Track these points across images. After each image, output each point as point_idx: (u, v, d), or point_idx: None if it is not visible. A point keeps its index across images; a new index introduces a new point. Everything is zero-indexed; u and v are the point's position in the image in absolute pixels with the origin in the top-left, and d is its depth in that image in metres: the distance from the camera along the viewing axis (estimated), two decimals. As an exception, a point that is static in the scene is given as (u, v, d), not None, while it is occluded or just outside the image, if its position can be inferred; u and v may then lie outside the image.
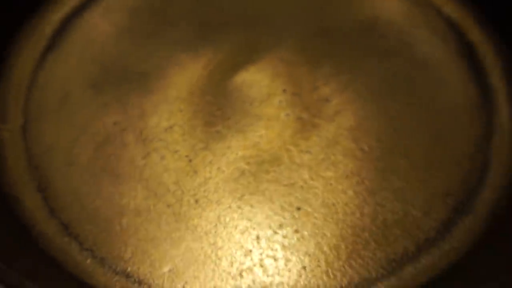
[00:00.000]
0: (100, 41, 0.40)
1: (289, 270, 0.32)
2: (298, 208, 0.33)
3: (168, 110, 0.37)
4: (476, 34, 0.40)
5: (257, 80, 0.38)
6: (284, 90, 0.37)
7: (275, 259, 0.32)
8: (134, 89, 0.38)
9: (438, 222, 0.33)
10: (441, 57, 0.39)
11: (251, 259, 0.32)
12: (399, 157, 0.35)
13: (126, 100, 0.37)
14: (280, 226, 0.33)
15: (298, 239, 0.33)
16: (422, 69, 0.39)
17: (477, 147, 0.36)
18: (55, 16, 0.41)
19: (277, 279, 0.32)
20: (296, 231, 0.33)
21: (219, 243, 0.32)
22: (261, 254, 0.32)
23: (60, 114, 0.37)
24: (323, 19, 0.41)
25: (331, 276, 0.32)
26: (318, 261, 0.32)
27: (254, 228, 0.33)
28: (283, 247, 0.32)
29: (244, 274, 0.32)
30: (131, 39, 0.40)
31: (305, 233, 0.33)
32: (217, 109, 0.36)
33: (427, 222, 0.33)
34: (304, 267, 0.32)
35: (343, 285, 0.31)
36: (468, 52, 0.40)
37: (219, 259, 0.32)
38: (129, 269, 0.32)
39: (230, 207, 0.33)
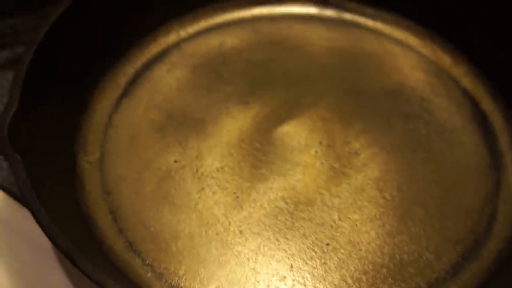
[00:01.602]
0: (165, 92, 0.46)
1: (317, 296, 0.37)
2: (327, 244, 0.38)
3: (221, 153, 0.42)
4: (488, 104, 0.46)
5: (297, 132, 0.43)
6: (320, 142, 0.43)
7: (305, 286, 0.37)
8: (193, 133, 0.43)
9: (448, 265, 0.37)
10: (457, 122, 0.44)
11: (285, 284, 0.37)
12: (416, 206, 0.40)
13: (186, 142, 0.43)
14: (311, 258, 0.38)
15: (325, 271, 0.37)
16: (440, 132, 0.44)
17: (485, 201, 0.40)
18: (129, 70, 0.47)
19: (306, 302, 0.37)
20: (324, 263, 0.37)
21: (258, 269, 0.37)
22: (293, 280, 0.37)
23: (130, 150, 0.42)
24: (356, 83, 0.47)
25: (353, 303, 0.37)
26: (342, 290, 0.37)
27: (288, 258, 0.38)
28: (313, 276, 0.37)
29: (278, 296, 0.37)
30: (192, 91, 0.46)
31: (332, 265, 0.38)
32: (263, 155, 0.42)
33: (438, 264, 0.37)
34: (330, 294, 0.37)
35: (363, 312, 0.36)
36: (481, 119, 0.45)
37: (258, 281, 0.37)
38: (182, 284, 0.36)
39: (269, 238, 0.38)
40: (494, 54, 0.46)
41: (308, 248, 0.38)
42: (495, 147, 0.43)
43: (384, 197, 0.40)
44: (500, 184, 0.41)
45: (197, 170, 0.42)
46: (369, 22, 0.51)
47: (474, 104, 0.46)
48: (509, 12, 0.44)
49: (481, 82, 0.47)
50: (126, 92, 0.46)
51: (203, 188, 0.41)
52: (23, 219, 0.42)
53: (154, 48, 0.49)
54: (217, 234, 0.39)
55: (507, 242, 0.39)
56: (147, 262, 0.38)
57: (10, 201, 0.43)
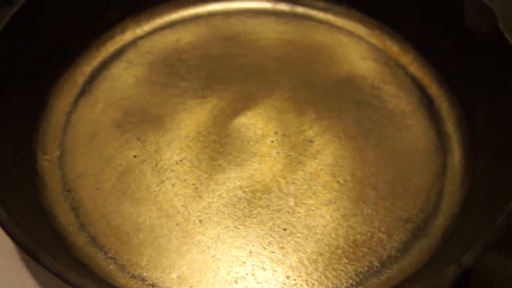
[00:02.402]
0: (123, 89, 0.47)
1: (276, 279, 0.38)
2: (284, 229, 0.40)
3: (179, 147, 0.43)
4: (435, 90, 0.48)
5: (253, 123, 0.45)
6: (276, 132, 0.44)
7: (264, 270, 0.38)
8: (151, 129, 0.44)
9: (399, 243, 0.39)
10: (406, 107, 0.46)
11: (245, 269, 0.38)
12: (368, 189, 0.42)
13: (144, 138, 0.44)
14: (269, 243, 0.39)
15: (283, 254, 0.39)
16: (390, 117, 0.46)
17: (433, 182, 0.42)
18: (86, 69, 0.48)
19: (266, 286, 0.37)
20: (282, 247, 0.39)
21: (218, 256, 0.38)
22: (252, 265, 0.38)
23: (90, 148, 0.43)
24: (309, 74, 0.48)
25: (310, 284, 0.38)
26: (300, 272, 0.38)
27: (247, 244, 0.39)
28: (271, 260, 0.38)
29: (238, 281, 0.38)
30: (149, 88, 0.47)
31: (289, 249, 0.39)
32: (220, 146, 0.43)
33: (390, 243, 0.39)
34: (288, 277, 0.38)
35: (320, 292, 0.38)
36: (428, 104, 0.47)
37: (218, 268, 0.38)
38: (144, 274, 0.37)
39: (228, 226, 0.40)
40: (439, 43, 0.48)
41: (266, 234, 0.40)
42: (442, 130, 0.46)
43: (338, 182, 0.42)
44: (447, 164, 0.44)
45: (156, 164, 0.43)
46: (321, 15, 0.53)
47: (421, 90, 0.48)
48: (454, 3, 0.46)
49: (428, 69, 0.49)
50: (83, 91, 0.47)
51: (162, 181, 0.42)
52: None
53: (111, 47, 0.50)
54: (177, 224, 0.40)
55: (453, 218, 0.41)
56: (110, 255, 0.38)
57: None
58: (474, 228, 0.37)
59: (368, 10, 0.52)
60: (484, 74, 0.44)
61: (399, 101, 0.47)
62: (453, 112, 0.46)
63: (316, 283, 0.38)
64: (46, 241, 0.36)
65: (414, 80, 0.49)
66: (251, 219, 0.40)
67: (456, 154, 0.44)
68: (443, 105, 0.47)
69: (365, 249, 0.39)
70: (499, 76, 0.43)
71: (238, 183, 0.42)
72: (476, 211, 0.40)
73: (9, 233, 0.32)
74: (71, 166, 0.43)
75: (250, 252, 0.39)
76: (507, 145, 0.40)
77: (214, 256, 0.39)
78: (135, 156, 0.43)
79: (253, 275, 0.38)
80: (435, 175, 0.43)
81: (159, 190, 0.41)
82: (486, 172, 0.41)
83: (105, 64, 0.49)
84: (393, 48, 0.51)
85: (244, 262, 0.39)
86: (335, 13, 0.53)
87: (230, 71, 0.48)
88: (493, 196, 0.38)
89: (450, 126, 0.46)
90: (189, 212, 0.40)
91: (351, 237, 0.40)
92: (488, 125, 0.43)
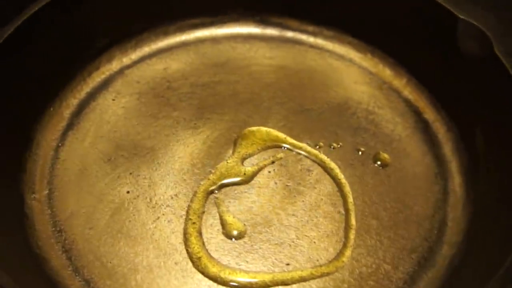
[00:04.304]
0: (112, 121, 0.45)
1: (281, 317, 0.37)
2: (287, 264, 0.38)
3: (174, 180, 0.42)
4: (430, 114, 0.47)
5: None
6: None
7: (269, 307, 0.37)
8: (144, 162, 0.43)
9: (405, 274, 0.38)
10: (402, 132, 0.46)
11: (248, 308, 0.37)
12: (370, 218, 0.41)
13: (137, 172, 0.42)
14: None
15: (287, 290, 0.38)
16: (387, 143, 0.45)
17: (435, 209, 0.42)
18: (73, 101, 0.46)
19: (271, 324, 0.37)
20: (286, 284, 0.38)
21: (221, 295, 0.37)
22: (256, 303, 0.37)
23: (80, 184, 0.41)
24: (302, 100, 0.47)
25: (317, 321, 0.37)
26: (305, 308, 0.37)
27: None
28: (275, 296, 0.38)
29: (242, 321, 0.37)
30: (139, 119, 0.45)
31: (294, 286, 0.38)
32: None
33: (396, 274, 0.38)
34: (293, 314, 0.37)
35: (327, 329, 0.37)
36: (424, 128, 0.46)
37: (221, 307, 0.37)
38: (144, 318, 0.36)
39: (229, 263, 0.38)
40: (433, 66, 0.48)
41: (268, 269, 0.38)
42: (440, 155, 0.45)
43: (339, 212, 0.41)
44: (447, 190, 0.43)
45: (150, 200, 0.41)
46: (311, 39, 0.52)
47: (417, 114, 0.48)
48: (447, 26, 0.45)
49: (422, 92, 0.48)
50: (71, 124, 0.45)
51: (158, 218, 0.40)
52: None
53: (97, 77, 0.48)
54: (176, 263, 0.38)
55: (458, 247, 0.40)
56: (106, 299, 0.37)
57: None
58: (482, 257, 0.37)
59: (358, 34, 0.51)
60: (480, 97, 0.44)
61: (395, 126, 0.46)
62: (450, 136, 0.46)
63: (323, 319, 0.37)
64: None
65: (408, 104, 0.48)
66: (252, 254, 0.39)
67: (456, 180, 0.44)
68: (440, 129, 0.46)
69: (371, 282, 0.38)
70: (494, 99, 0.42)
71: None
72: (481, 239, 0.39)
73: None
74: (61, 205, 0.41)
75: (253, 290, 0.38)
76: (508, 168, 0.40)
77: (216, 295, 0.37)
78: (128, 192, 0.41)
79: (257, 313, 0.37)
80: (436, 202, 0.42)
81: (155, 227, 0.40)
82: (489, 197, 0.41)
83: (93, 96, 0.47)
84: (386, 71, 0.50)
85: (247, 300, 0.37)
86: (325, 37, 0.52)
87: (222, 99, 0.47)
88: (498, 222, 0.38)
89: (448, 150, 0.45)
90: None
91: (356, 270, 0.39)
92: (487, 148, 0.42)
